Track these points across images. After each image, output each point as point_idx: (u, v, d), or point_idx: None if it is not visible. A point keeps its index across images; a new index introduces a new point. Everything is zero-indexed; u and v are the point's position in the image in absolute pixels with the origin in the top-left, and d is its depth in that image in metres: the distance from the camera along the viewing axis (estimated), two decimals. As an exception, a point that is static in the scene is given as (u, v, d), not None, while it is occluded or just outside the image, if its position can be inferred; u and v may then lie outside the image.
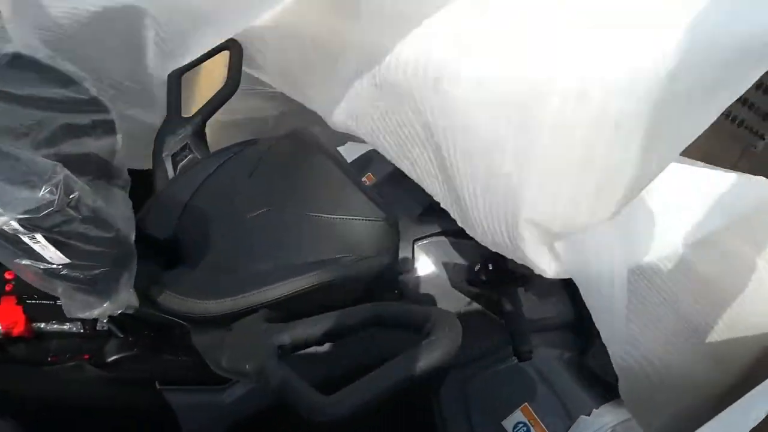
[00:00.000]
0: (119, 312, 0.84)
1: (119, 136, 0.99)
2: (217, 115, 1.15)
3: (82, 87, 0.93)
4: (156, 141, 1.13)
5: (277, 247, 0.88)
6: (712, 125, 0.57)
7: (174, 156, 1.11)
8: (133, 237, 0.81)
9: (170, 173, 1.10)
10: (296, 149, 0.95)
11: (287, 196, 0.92)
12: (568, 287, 1.17)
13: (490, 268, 0.94)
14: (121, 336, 0.94)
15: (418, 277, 1.06)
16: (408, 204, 1.08)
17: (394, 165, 1.38)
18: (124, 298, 0.84)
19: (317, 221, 0.88)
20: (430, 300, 1.06)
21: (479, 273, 0.97)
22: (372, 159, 1.43)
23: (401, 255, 1.04)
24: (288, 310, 0.85)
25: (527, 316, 1.14)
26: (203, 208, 0.99)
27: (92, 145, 0.94)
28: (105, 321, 0.94)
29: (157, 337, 0.97)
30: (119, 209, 0.87)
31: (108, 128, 0.96)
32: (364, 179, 1.40)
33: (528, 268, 0.92)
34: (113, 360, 0.94)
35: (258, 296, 0.84)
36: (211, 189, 1.02)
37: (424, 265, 1.06)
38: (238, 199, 0.96)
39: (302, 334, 0.72)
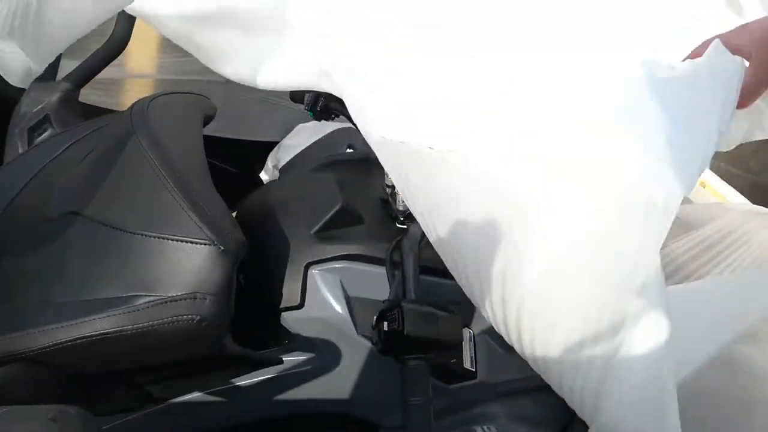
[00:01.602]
0: None
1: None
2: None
3: None
4: (15, 110, 0.89)
5: (61, 270, 0.62)
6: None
7: (32, 129, 0.86)
8: None
9: (22, 150, 0.87)
10: (127, 132, 0.67)
11: (93, 195, 0.65)
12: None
13: (385, 328, 0.63)
14: None
15: (311, 316, 0.77)
16: (306, 211, 0.79)
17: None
18: None
19: (120, 238, 0.61)
20: (326, 348, 0.76)
21: (374, 330, 0.67)
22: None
23: (289, 282, 0.75)
24: (57, 367, 0.60)
25: (486, 372, 0.83)
26: (26, 203, 0.75)
27: None
28: None
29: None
30: None
31: None
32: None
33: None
34: None
35: (18, 342, 0.58)
36: (46, 177, 0.77)
37: (320, 299, 0.75)
38: (56, 193, 0.70)
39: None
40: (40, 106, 0.87)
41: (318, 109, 0.89)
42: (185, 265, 0.59)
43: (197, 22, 0.75)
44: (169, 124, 0.67)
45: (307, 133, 1.30)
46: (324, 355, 0.76)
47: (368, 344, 0.76)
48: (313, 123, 1.23)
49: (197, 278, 0.59)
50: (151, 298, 0.58)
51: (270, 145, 1.36)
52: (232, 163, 1.29)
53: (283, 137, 1.34)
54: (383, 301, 0.69)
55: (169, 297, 0.58)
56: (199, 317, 0.58)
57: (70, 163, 0.76)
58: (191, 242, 0.59)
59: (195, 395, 0.72)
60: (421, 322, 0.63)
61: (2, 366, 0.58)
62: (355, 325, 0.75)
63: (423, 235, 0.70)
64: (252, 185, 1.30)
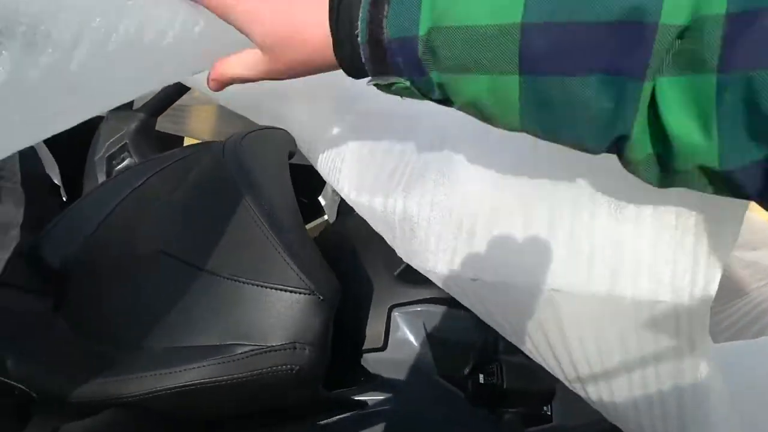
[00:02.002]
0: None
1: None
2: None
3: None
4: (93, 138, 0.89)
5: (154, 312, 0.61)
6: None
7: (110, 158, 0.86)
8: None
9: (101, 180, 0.87)
10: (220, 169, 0.66)
11: (186, 237, 0.64)
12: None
13: (481, 381, 0.61)
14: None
15: (392, 358, 0.75)
16: (386, 252, 0.77)
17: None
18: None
19: (217, 283, 0.60)
20: (408, 391, 0.74)
21: (467, 381, 0.65)
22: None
23: (373, 325, 0.73)
24: (152, 413, 0.59)
25: (561, 415, 0.80)
26: (109, 235, 0.74)
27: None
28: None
29: (28, 402, 0.75)
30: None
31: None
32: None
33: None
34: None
35: (115, 387, 0.58)
36: (127, 209, 0.76)
37: (403, 341, 0.74)
38: (142, 229, 0.69)
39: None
40: (118, 135, 0.87)
41: None
42: (284, 314, 0.57)
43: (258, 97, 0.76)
44: (263, 165, 0.66)
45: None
46: (405, 396, 0.75)
47: (449, 386, 0.74)
48: None
49: (296, 328, 0.57)
50: (250, 348, 0.56)
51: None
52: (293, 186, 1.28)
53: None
54: (473, 349, 0.67)
55: (268, 347, 0.56)
56: (298, 367, 0.57)
57: (153, 196, 0.76)
58: (290, 291, 0.58)
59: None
60: (520, 377, 0.61)
61: (98, 411, 0.58)
62: (437, 367, 0.73)
63: None
64: (311, 209, 1.29)
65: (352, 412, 0.74)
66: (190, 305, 0.60)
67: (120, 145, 0.85)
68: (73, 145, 1.06)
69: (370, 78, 0.40)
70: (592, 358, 0.49)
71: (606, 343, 0.48)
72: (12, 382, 0.67)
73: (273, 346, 0.56)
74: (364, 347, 0.73)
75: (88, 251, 0.75)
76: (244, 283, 0.59)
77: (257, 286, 0.58)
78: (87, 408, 0.59)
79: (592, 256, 0.46)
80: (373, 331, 0.73)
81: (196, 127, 1.07)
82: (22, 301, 0.73)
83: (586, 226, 0.47)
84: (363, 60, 0.38)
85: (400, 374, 0.74)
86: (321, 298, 0.58)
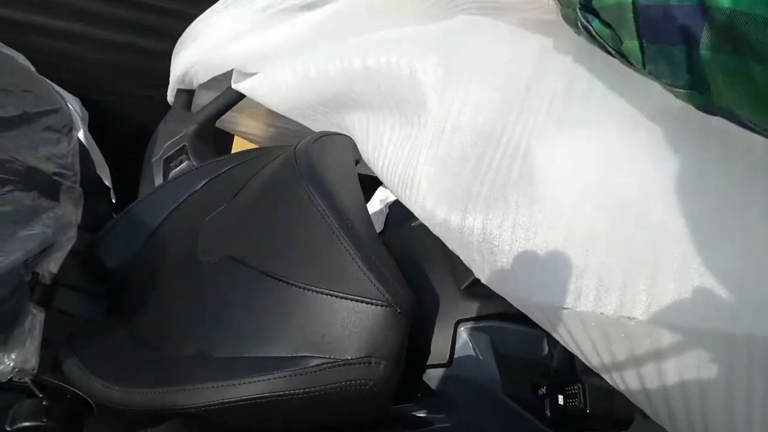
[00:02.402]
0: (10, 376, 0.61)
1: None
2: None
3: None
4: (150, 140, 0.88)
5: (220, 320, 0.58)
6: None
7: (168, 160, 0.85)
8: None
9: (157, 182, 0.85)
10: (291, 174, 0.64)
11: (255, 242, 0.62)
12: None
13: (560, 402, 0.57)
14: (39, 396, 0.71)
15: (457, 375, 0.71)
16: (452, 263, 0.73)
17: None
18: (20, 357, 0.60)
19: (287, 292, 0.57)
20: (471, 410, 0.70)
21: (542, 402, 0.61)
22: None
23: (438, 338, 0.70)
24: (217, 425, 0.56)
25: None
26: (168, 238, 0.72)
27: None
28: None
29: (80, 407, 0.73)
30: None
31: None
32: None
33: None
34: (17, 429, 0.71)
35: (179, 396, 0.55)
36: (186, 212, 0.74)
37: (469, 358, 0.70)
38: (203, 234, 0.67)
39: None
40: (176, 137, 0.85)
41: None
42: (359, 326, 0.54)
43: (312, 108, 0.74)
44: (335, 171, 0.64)
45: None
46: (468, 415, 0.71)
47: (515, 407, 0.71)
48: None
49: (372, 341, 0.54)
50: (323, 360, 0.53)
51: (378, 180, 1.32)
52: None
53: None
54: (546, 369, 0.63)
55: (342, 360, 0.53)
56: (372, 382, 0.53)
57: (214, 199, 0.73)
58: (367, 302, 0.55)
59: None
60: (603, 400, 0.57)
61: (158, 422, 0.55)
62: (504, 386, 0.70)
63: None
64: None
65: (413, 431, 0.70)
66: (259, 314, 0.57)
67: (178, 147, 0.84)
68: (124, 147, 1.05)
69: None
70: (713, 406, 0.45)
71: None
72: (65, 385, 0.65)
73: (348, 359, 0.53)
74: (428, 362, 0.69)
75: (147, 254, 0.73)
76: (317, 292, 0.56)
77: (332, 296, 0.55)
78: (146, 419, 0.56)
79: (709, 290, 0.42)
80: (438, 345, 0.70)
81: (250, 129, 1.05)
82: (78, 303, 0.71)
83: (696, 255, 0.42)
84: None
85: (464, 392, 0.70)
86: (398, 310, 0.55)
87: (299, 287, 0.57)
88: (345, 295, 0.55)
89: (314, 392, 0.53)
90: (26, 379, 0.65)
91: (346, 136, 0.77)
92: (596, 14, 0.40)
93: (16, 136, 0.65)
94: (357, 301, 0.55)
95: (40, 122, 0.71)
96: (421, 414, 0.71)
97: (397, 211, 1.13)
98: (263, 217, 0.63)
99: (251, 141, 1.11)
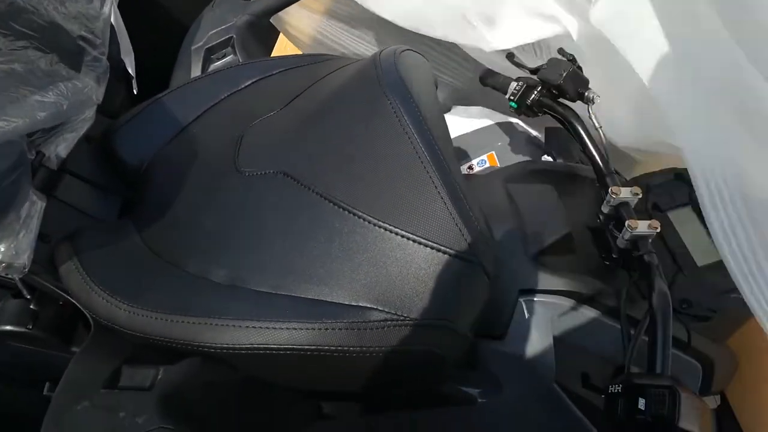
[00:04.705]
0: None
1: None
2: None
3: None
4: (193, 25, 0.75)
5: (260, 243, 0.47)
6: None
7: (210, 51, 0.72)
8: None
9: (194, 74, 0.72)
10: (371, 83, 0.52)
11: (320, 160, 0.50)
12: None
13: (640, 406, 0.47)
14: (27, 298, 0.60)
15: (509, 352, 0.61)
16: (525, 227, 0.63)
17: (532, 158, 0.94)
18: (9, 250, 0.50)
19: (351, 224, 0.46)
20: (515, 393, 0.61)
21: (614, 401, 0.51)
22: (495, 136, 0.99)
23: (495, 309, 0.59)
24: (237, 370, 0.45)
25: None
26: (201, 139, 0.61)
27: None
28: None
29: (74, 318, 0.62)
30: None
31: None
32: (481, 159, 0.96)
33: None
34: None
35: (200, 330, 0.44)
36: (226, 112, 0.62)
37: (525, 335, 0.60)
38: (247, 141, 0.55)
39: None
40: (224, 26, 0.72)
41: (527, 102, 0.72)
42: (437, 280, 0.43)
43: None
44: (420, 93, 0.51)
45: (458, 122, 1.13)
46: (512, 396, 0.62)
47: (562, 396, 0.62)
48: (466, 111, 1.07)
49: (450, 301, 0.43)
50: (387, 316, 0.42)
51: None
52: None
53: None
54: (624, 368, 0.53)
55: (411, 319, 0.42)
56: (440, 351, 0.43)
57: (260, 104, 0.61)
58: (451, 254, 0.43)
59: (367, 417, 0.58)
60: (694, 415, 0.48)
61: (174, 355, 0.44)
62: (556, 371, 0.60)
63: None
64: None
65: (454, 406, 0.61)
66: (312, 245, 0.46)
67: (225, 38, 0.71)
68: (157, 34, 0.92)
69: None
70: None
71: None
72: (59, 292, 0.54)
73: (417, 320, 0.42)
74: (480, 331, 0.59)
75: (173, 154, 0.61)
76: (391, 231, 0.45)
77: (409, 239, 0.44)
78: (155, 349, 0.46)
79: None
80: (494, 315, 0.60)
81: (303, 32, 0.92)
82: (86, 196, 0.60)
83: None
84: None
85: (513, 371, 0.61)
86: (483, 268, 0.44)
87: (368, 221, 0.45)
88: (425, 241, 0.44)
89: (371, 352, 0.42)
90: (15, 276, 0.54)
91: (424, 57, 0.65)
92: None
93: (41, -22, 0.52)
94: (438, 250, 0.44)
95: (71, -30, 0.58)
96: (464, 388, 0.62)
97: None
98: (330, 130, 0.52)
99: (298, 47, 0.98)
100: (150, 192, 0.58)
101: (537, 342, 0.60)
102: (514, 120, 0.94)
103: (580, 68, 0.71)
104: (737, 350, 0.78)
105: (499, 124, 1.04)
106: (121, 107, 0.76)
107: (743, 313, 0.62)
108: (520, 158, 0.97)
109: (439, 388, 0.59)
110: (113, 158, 0.61)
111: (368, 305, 0.43)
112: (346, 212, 0.46)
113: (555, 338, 0.61)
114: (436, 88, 0.63)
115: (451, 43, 0.78)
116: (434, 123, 0.50)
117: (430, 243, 0.44)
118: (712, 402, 0.80)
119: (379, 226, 0.45)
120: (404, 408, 0.59)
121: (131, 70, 0.95)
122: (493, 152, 1.01)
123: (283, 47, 1.06)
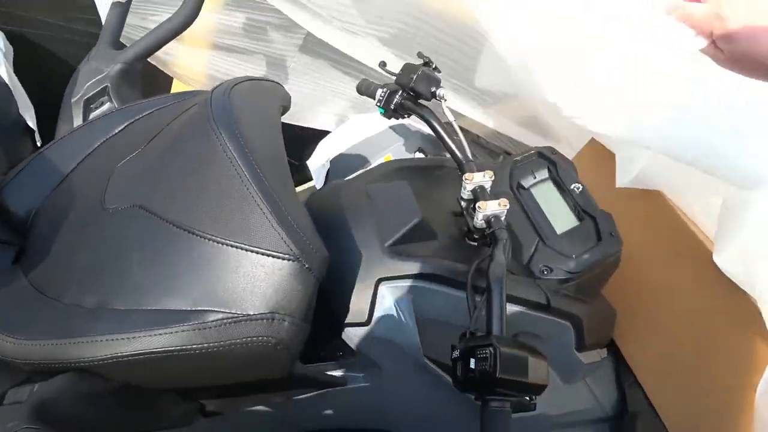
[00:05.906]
0: None
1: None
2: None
3: None
4: (71, 79, 0.82)
5: (121, 270, 0.55)
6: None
7: (88, 101, 0.80)
8: None
9: (77, 124, 0.80)
10: (204, 119, 0.60)
11: (164, 190, 0.58)
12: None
13: (471, 366, 0.56)
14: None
15: (377, 335, 0.70)
16: (379, 221, 0.71)
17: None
18: None
19: (192, 243, 0.54)
20: (389, 371, 0.70)
21: (454, 364, 0.60)
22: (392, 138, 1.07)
23: (358, 296, 0.68)
24: (112, 379, 0.53)
25: (546, 404, 0.77)
26: (79, 185, 0.68)
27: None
28: None
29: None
30: None
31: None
32: (380, 162, 1.04)
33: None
34: None
35: (70, 349, 0.52)
36: (100, 157, 0.70)
37: (389, 318, 0.68)
38: (113, 179, 0.63)
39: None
40: (98, 77, 0.80)
41: (391, 107, 0.81)
42: (265, 280, 0.52)
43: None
44: (252, 121, 0.60)
45: (359, 127, 1.21)
46: (386, 375, 0.70)
47: (434, 369, 0.70)
48: (368, 117, 1.15)
49: (277, 296, 0.52)
50: (224, 315, 0.51)
51: (320, 134, 1.28)
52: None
53: (336, 127, 1.26)
54: (466, 334, 0.61)
55: (244, 315, 0.51)
56: (275, 340, 0.51)
57: (128, 145, 0.69)
58: (273, 256, 0.52)
59: (248, 409, 0.66)
60: (514, 366, 0.56)
61: (55, 375, 0.52)
62: (423, 347, 0.69)
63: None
64: (299, 171, 1.23)
65: (328, 389, 0.69)
66: (161, 265, 0.54)
67: (100, 87, 0.79)
68: (51, 86, 0.99)
69: None
70: None
71: None
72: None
73: (250, 315, 0.51)
74: (347, 320, 0.68)
75: (56, 201, 0.69)
76: (223, 243, 0.53)
77: (238, 248, 0.53)
78: (40, 373, 0.54)
79: None
80: (358, 304, 0.68)
81: (189, 69, 1.00)
82: (-19, 250, 0.67)
83: None
84: None
85: (383, 352, 0.69)
86: (307, 266, 0.53)
87: (205, 238, 0.54)
88: (251, 248, 0.53)
89: (213, 348, 0.50)
90: None
91: (276, 83, 0.73)
92: None
93: None
94: (263, 254, 0.52)
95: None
96: (338, 373, 0.69)
97: (338, 167, 1.10)
98: (173, 163, 0.60)
99: (189, 84, 1.06)
100: (35, 238, 0.66)
101: (400, 323, 0.68)
102: (407, 121, 1.03)
103: (436, 68, 0.80)
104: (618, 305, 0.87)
105: (394, 127, 1.13)
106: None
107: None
108: (414, 156, 1.06)
109: (311, 375, 0.67)
110: (3, 212, 0.69)
111: (208, 308, 0.51)
112: (187, 233, 0.55)
113: (419, 317, 0.69)
114: (284, 110, 0.71)
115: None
116: (263, 147, 0.58)
117: (256, 249, 0.52)
118: (597, 355, 0.89)
119: (215, 241, 0.54)
120: (285, 397, 0.67)
121: (32, 124, 1.02)
122: (390, 153, 1.10)
123: (180, 87, 1.14)
